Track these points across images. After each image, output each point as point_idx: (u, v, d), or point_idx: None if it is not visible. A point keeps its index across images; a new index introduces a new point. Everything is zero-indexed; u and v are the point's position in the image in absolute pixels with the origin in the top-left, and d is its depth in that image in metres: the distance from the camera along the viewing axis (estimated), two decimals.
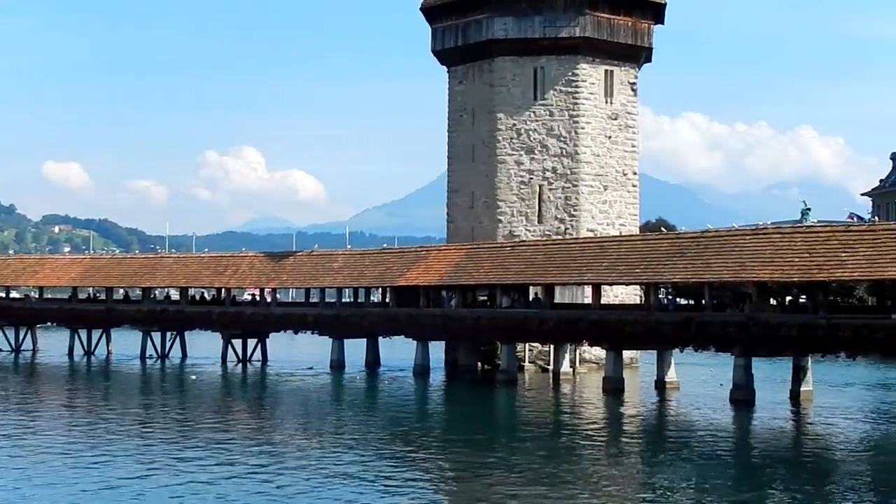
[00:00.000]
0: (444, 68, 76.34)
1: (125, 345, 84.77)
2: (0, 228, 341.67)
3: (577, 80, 71.39)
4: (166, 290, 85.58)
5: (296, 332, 75.41)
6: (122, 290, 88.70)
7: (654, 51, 74.68)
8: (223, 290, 77.77)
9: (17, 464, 33.37)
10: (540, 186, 71.19)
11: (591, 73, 71.90)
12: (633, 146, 74.24)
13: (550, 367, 65.28)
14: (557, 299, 62.20)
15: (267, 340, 77.20)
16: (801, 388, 52.39)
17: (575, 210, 70.79)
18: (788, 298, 63.39)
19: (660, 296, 57.90)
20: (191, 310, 78.39)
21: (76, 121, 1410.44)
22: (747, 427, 44.61)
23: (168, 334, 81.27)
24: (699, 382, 61.31)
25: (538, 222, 70.96)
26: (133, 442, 38.28)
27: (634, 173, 74.30)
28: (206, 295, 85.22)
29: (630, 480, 32.12)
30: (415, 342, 66.35)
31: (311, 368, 70.09)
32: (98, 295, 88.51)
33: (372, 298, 76.94)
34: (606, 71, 72.62)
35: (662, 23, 74.47)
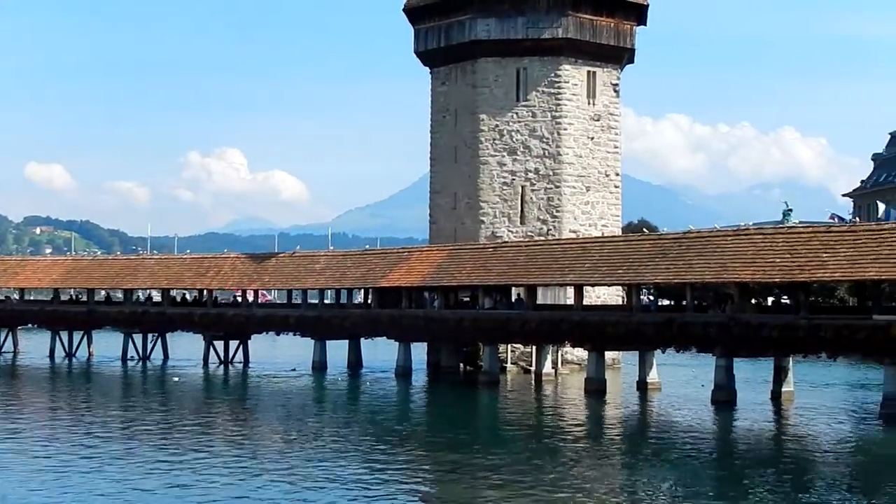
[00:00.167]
0: (427, 69, 76.30)
1: (106, 346, 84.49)
2: None
3: (559, 82, 71.42)
4: (148, 291, 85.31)
5: (278, 334, 75.29)
6: (103, 292, 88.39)
7: (637, 52, 74.81)
8: (205, 291, 77.62)
9: None
10: (522, 187, 71.20)
11: (573, 75, 71.93)
12: (616, 147, 74.30)
13: (532, 369, 65.29)
14: (540, 300, 62.18)
15: (249, 342, 77.10)
16: (783, 389, 52.51)
17: (557, 211, 70.81)
18: (771, 299, 63.57)
19: (641, 296, 57.99)
20: (172, 311, 78.28)
21: (59, 122, 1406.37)
22: (729, 428, 44.67)
23: (150, 336, 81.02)
24: (681, 383, 61.46)
25: (521, 223, 70.97)
26: (114, 445, 38.15)
27: (617, 174, 74.35)
28: (187, 296, 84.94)
29: (612, 481, 32.11)
30: (397, 343, 66.29)
31: (293, 370, 70.02)
32: (80, 296, 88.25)
33: (354, 300, 76.78)
34: (589, 72, 72.66)
35: (645, 24, 74.61)
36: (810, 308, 48.97)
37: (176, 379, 65.33)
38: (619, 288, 65.82)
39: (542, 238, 68.16)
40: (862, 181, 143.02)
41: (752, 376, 58.23)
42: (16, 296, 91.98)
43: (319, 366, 69.16)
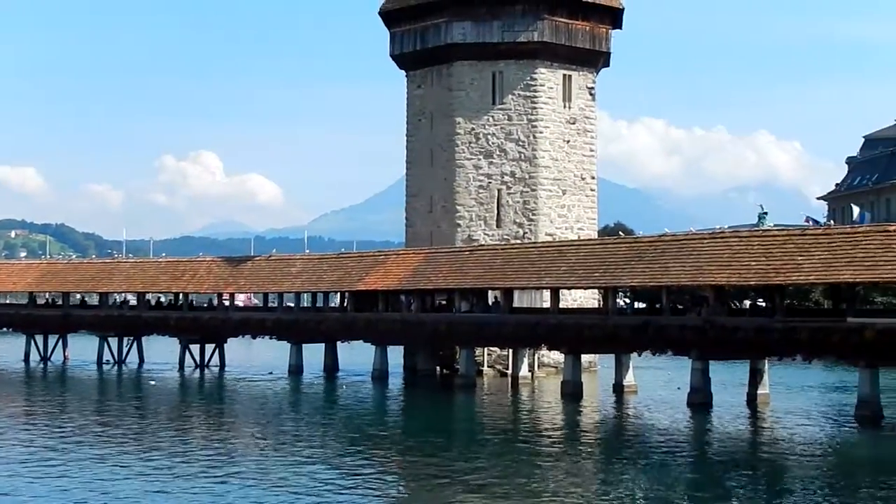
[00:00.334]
0: (403, 72, 76.28)
1: (82, 350, 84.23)
2: None
3: (535, 85, 71.48)
4: (123, 295, 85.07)
5: (254, 337, 75.17)
6: (78, 296, 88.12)
7: (612, 55, 74.97)
8: (181, 294, 77.44)
9: None
10: (498, 191, 71.23)
11: (549, 78, 72.01)
12: (592, 150, 74.40)
13: (509, 372, 65.30)
14: (516, 303, 62.19)
15: (225, 345, 76.96)
16: (758, 391, 52.64)
17: (533, 214, 70.87)
18: (748, 302, 63.75)
19: (618, 299, 58.10)
20: (148, 315, 78.07)
21: (31, 125, 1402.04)
22: (704, 430, 44.76)
23: (125, 340, 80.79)
24: (657, 386, 61.57)
25: (497, 226, 70.99)
26: (89, 449, 38.00)
27: (593, 177, 74.45)
28: (161, 300, 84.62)
29: (588, 485, 32.12)
30: (373, 347, 66.23)
31: (270, 373, 69.94)
32: (55, 300, 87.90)
33: (330, 303, 76.68)
34: (565, 75, 72.75)
35: (620, 27, 74.74)
36: (786, 311, 49.16)
37: (153, 382, 65.17)
38: (596, 291, 65.88)
39: (519, 241, 68.19)
40: (836, 184, 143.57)
41: (727, 379, 58.38)
42: None
43: (296, 369, 69.06)
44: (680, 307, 57.06)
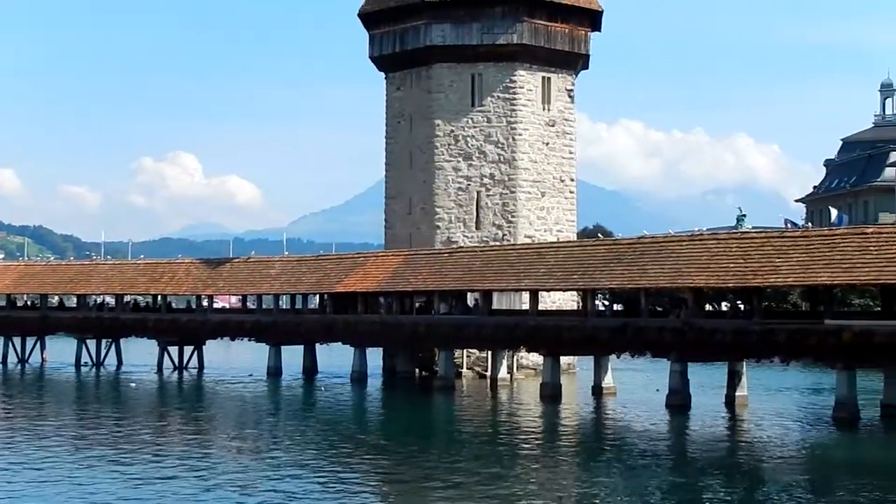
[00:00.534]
0: (382, 74, 76.23)
1: (60, 352, 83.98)
2: None
3: (514, 87, 71.52)
4: (102, 297, 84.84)
5: (232, 339, 75.03)
6: (56, 297, 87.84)
7: (591, 58, 75.07)
8: (159, 296, 77.28)
9: None
10: (478, 193, 71.24)
11: (528, 80, 72.06)
12: (571, 153, 74.47)
13: (488, 374, 65.30)
14: (495, 305, 62.26)
15: (203, 347, 76.81)
16: (737, 393, 52.72)
17: (513, 216, 70.91)
18: (726, 305, 63.90)
19: (597, 301, 58.20)
20: (126, 317, 77.83)
21: (9, 127, 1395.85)
22: (683, 432, 44.87)
23: (103, 342, 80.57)
24: (636, 388, 61.67)
25: (476, 228, 71.00)
26: (66, 452, 37.90)
27: (572, 180, 74.53)
28: (138, 301, 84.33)
29: (567, 486, 32.17)
30: (352, 349, 66.19)
31: (250, 375, 69.85)
32: (34, 302, 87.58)
33: (309, 305, 76.60)
34: (544, 78, 72.81)
35: (599, 30, 74.88)
36: (764, 313, 49.32)
37: (133, 384, 65.04)
38: (575, 293, 65.95)
39: (498, 243, 68.21)
40: (814, 187, 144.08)
41: (706, 381, 58.50)
42: None
43: (274, 371, 68.98)
44: (659, 309, 57.23)
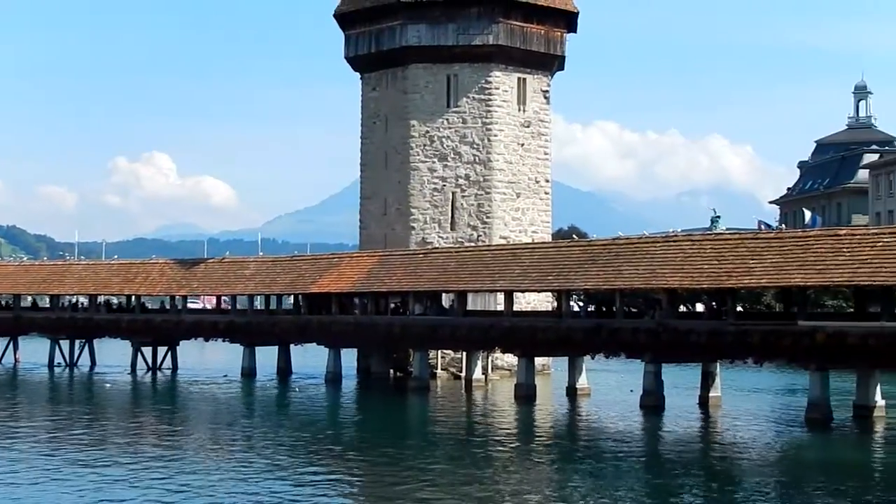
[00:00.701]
0: (358, 75, 76.13)
1: (33, 353, 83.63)
2: None
3: (490, 88, 71.54)
4: (75, 297, 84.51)
5: (207, 340, 74.79)
6: (29, 298, 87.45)
7: (567, 59, 75.19)
8: (133, 297, 77.00)
9: None
10: (453, 193, 71.22)
11: (504, 81, 72.08)
12: (546, 154, 74.54)
13: (463, 375, 65.28)
14: (470, 306, 62.26)
15: (177, 348, 76.59)
16: (710, 394, 52.91)
17: (488, 217, 70.93)
18: (701, 307, 64.09)
19: (571, 302, 58.28)
20: (100, 317, 77.51)
21: None
22: (657, 433, 44.96)
23: (77, 342, 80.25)
24: (610, 389, 61.76)
25: (451, 229, 70.98)
26: (38, 454, 37.77)
27: (547, 181, 74.59)
28: (111, 302, 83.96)
29: (541, 487, 32.21)
30: (327, 349, 66.11)
31: (225, 376, 69.68)
32: (8, 302, 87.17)
33: (284, 306, 76.46)
34: (519, 79, 72.85)
35: (575, 31, 74.94)
36: (737, 314, 49.47)
37: (108, 385, 64.85)
38: (550, 294, 65.99)
39: (473, 244, 68.25)
40: (788, 189, 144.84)
41: (680, 382, 58.64)
42: None
43: (249, 372, 68.81)
44: (634, 310, 57.35)
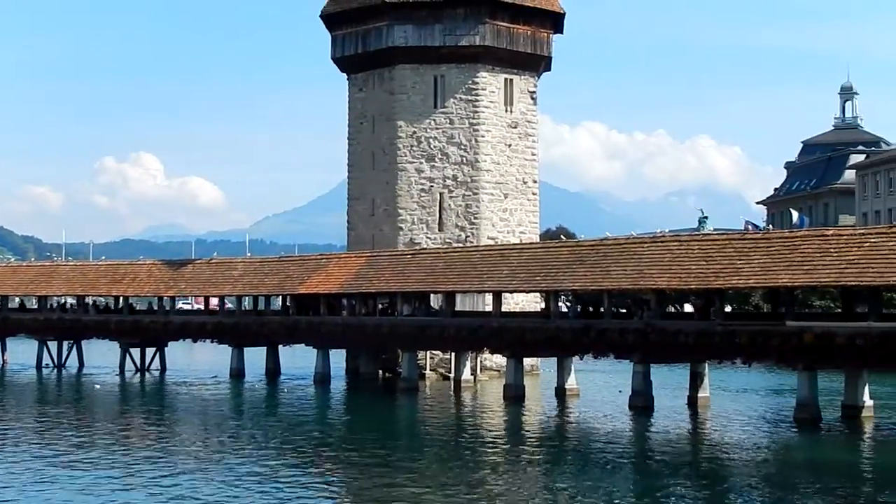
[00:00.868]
0: (345, 75, 76.07)
1: (21, 354, 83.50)
2: None
3: (477, 89, 71.55)
4: (63, 298, 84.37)
5: (195, 341, 74.69)
6: (17, 299, 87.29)
7: (554, 60, 75.21)
8: (121, 298, 76.90)
9: None
10: (440, 194, 71.21)
11: (491, 82, 72.10)
12: (534, 154, 74.58)
13: (451, 375, 65.28)
14: (458, 307, 62.27)
15: (165, 349, 76.47)
16: (699, 395, 52.99)
17: (475, 218, 70.93)
18: (689, 307, 64.15)
19: (559, 303, 58.30)
20: (88, 318, 77.40)
21: None
22: (646, 433, 45.00)
23: (65, 343, 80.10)
24: (599, 389, 61.80)
25: (439, 230, 70.97)
26: (28, 457, 37.69)
27: (534, 181, 74.63)
28: (97, 303, 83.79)
29: (531, 487, 32.23)
30: (315, 350, 66.06)
31: (215, 377, 69.61)
32: None
33: (272, 307, 76.38)
34: (506, 79, 72.87)
35: (561, 32, 74.99)
36: (725, 315, 49.53)
37: (97, 386, 64.76)
38: (538, 294, 66.00)
39: (461, 245, 68.27)
40: (775, 189, 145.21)
41: (668, 382, 58.71)
42: None
43: (237, 373, 68.76)
44: (623, 311, 57.42)
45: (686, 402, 53.08)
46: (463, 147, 71.28)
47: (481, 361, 67.48)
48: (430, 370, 68.57)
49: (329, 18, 74.89)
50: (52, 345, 79.53)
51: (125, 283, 74.74)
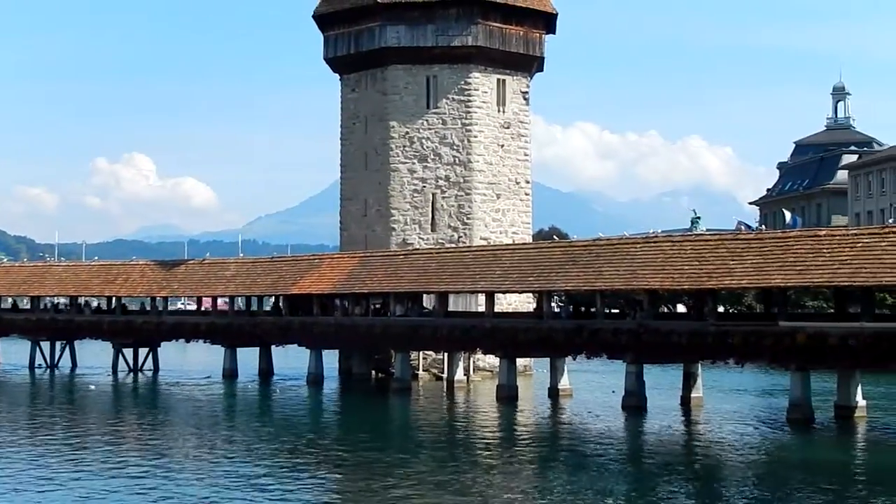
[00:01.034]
0: (337, 76, 76.03)
1: (14, 355, 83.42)
2: None
3: (469, 89, 71.54)
4: (56, 298, 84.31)
5: (188, 341, 74.64)
6: (10, 299, 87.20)
7: (546, 60, 75.22)
8: (113, 298, 76.83)
9: None
10: (433, 195, 71.19)
11: (483, 82, 72.10)
12: (526, 155, 74.59)
13: (444, 376, 65.25)
14: (451, 307, 62.27)
15: (158, 349, 76.41)
16: (692, 395, 53.03)
17: (468, 218, 70.92)
18: (682, 308, 64.20)
19: (552, 303, 58.31)
20: (81, 318, 77.36)
21: None
22: (639, 433, 45.03)
23: (57, 344, 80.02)
24: (592, 389, 61.79)
25: (431, 230, 70.95)
26: (22, 456, 37.68)
27: (527, 182, 74.63)
28: (89, 303, 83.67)
29: (524, 488, 32.22)
30: (308, 351, 66.03)
31: (209, 377, 69.57)
32: None
33: (265, 307, 76.35)
34: (499, 80, 72.87)
35: (554, 32, 75.02)
36: (718, 315, 49.57)
37: (92, 387, 64.69)
38: (531, 295, 66.00)
39: (453, 245, 68.26)
40: (768, 189, 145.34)
41: (661, 382, 58.71)
42: None
43: (230, 373, 68.75)
44: (615, 311, 57.43)
45: (679, 402, 53.12)
46: (455, 147, 71.28)
47: (474, 362, 67.47)
48: (423, 370, 68.57)
49: (321, 19, 74.86)
50: (45, 345, 79.47)
51: (118, 283, 74.67)
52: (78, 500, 29.71)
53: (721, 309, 58.05)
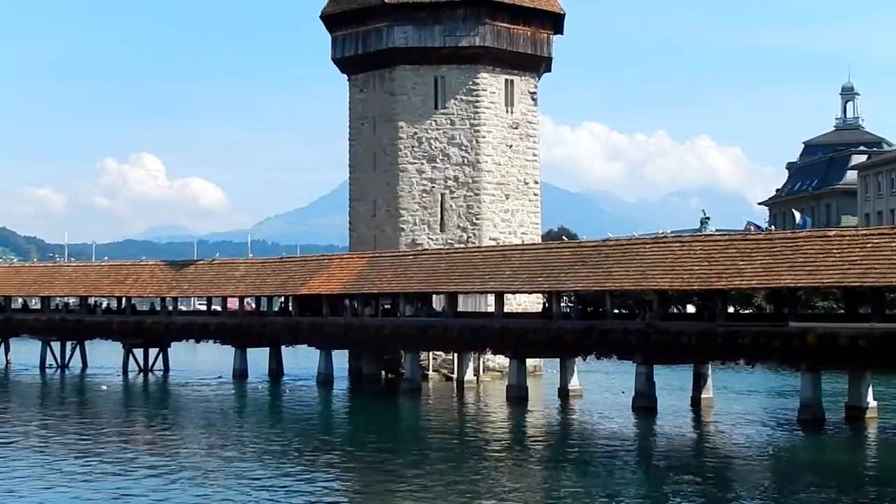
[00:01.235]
0: (345, 76, 76.02)
1: (24, 355, 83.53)
2: None
3: (477, 90, 71.49)
4: (66, 299, 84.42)
5: (198, 342, 74.69)
6: (20, 300, 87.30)
7: (554, 60, 75.15)
8: (123, 298, 76.93)
9: None
10: (442, 195, 71.16)
11: (491, 83, 72.05)
12: (535, 155, 74.55)
13: (454, 376, 65.26)
14: (460, 307, 62.25)
15: (168, 350, 76.49)
16: (702, 395, 52.94)
17: (477, 219, 70.88)
18: (692, 308, 64.13)
19: (562, 304, 58.28)
20: (91, 319, 77.47)
21: None
22: (649, 434, 44.98)
23: (68, 344, 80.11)
24: (602, 390, 61.75)
25: (440, 231, 70.92)
26: (32, 455, 37.73)
27: (536, 182, 74.59)
28: (98, 303, 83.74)
29: (534, 488, 32.25)
30: (318, 351, 66.06)
31: (220, 377, 69.62)
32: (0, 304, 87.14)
33: (274, 307, 76.35)
34: (507, 80, 72.82)
35: (562, 33, 74.92)
36: (728, 315, 49.48)
37: (105, 387, 64.78)
38: (540, 295, 65.96)
39: (463, 246, 68.23)
40: (777, 190, 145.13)
41: (671, 383, 58.67)
42: None
43: (240, 374, 68.77)
44: (625, 312, 57.39)
45: (689, 403, 53.05)
46: (464, 148, 71.25)
47: (484, 362, 67.45)
48: (433, 371, 68.54)
49: (329, 19, 74.86)
50: (56, 345, 79.60)
51: (128, 283, 74.77)
52: (89, 500, 29.75)
53: (731, 309, 58.03)
